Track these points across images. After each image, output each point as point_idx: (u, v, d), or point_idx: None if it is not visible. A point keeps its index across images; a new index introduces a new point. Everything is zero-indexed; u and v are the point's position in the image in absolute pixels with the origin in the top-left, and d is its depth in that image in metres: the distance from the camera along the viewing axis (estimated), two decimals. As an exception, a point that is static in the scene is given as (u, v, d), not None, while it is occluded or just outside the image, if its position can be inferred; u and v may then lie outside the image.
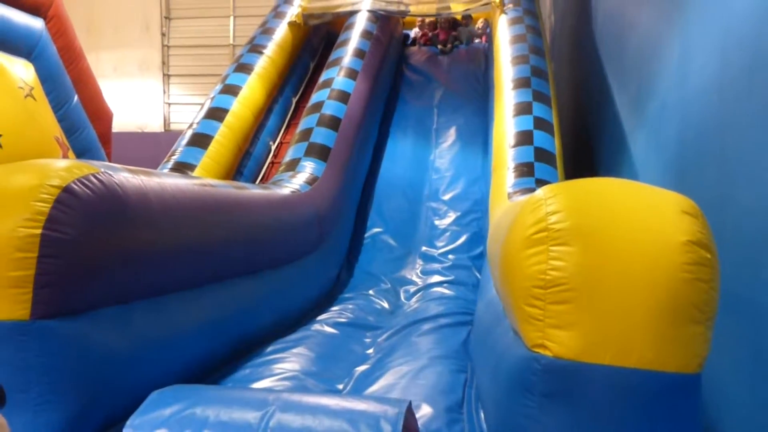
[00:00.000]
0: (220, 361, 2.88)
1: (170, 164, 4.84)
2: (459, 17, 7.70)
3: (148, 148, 10.08)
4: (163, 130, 13.05)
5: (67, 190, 2.06)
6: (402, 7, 6.93)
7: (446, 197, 5.29)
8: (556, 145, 4.50)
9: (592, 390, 1.49)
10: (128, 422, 1.86)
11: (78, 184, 2.11)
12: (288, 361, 2.96)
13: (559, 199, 1.65)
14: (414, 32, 8.12)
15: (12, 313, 1.90)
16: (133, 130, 12.55)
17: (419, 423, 2.32)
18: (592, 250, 1.52)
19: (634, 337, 1.47)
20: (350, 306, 4.19)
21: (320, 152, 4.92)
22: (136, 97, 13.07)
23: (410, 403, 1.96)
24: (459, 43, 7.80)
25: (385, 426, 1.75)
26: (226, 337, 2.98)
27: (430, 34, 7.93)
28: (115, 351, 2.20)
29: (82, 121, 5.46)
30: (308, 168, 4.79)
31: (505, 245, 1.90)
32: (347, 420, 1.80)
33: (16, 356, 1.90)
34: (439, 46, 7.75)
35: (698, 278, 1.47)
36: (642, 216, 1.56)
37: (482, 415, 2.43)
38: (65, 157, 5.23)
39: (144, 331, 2.38)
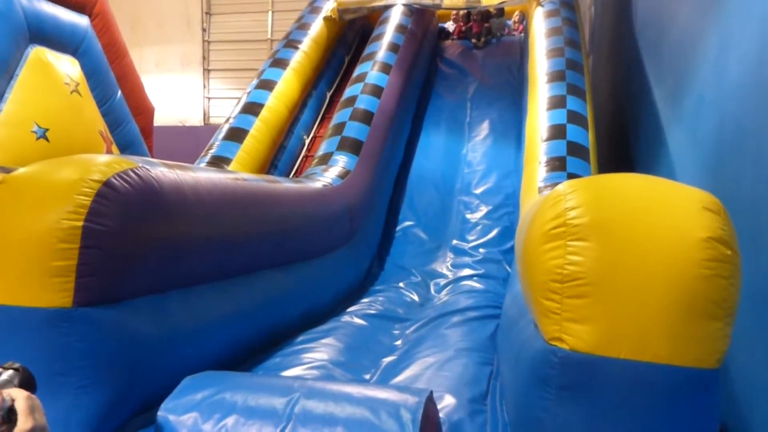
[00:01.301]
0: (251, 350, 2.97)
1: (207, 158, 4.97)
2: (492, 9, 7.60)
3: (189, 142, 10.35)
4: (202, 124, 13.33)
5: (107, 184, 2.16)
6: (436, 1, 6.92)
7: (478, 191, 5.29)
8: (590, 139, 4.45)
9: (608, 383, 1.51)
10: (162, 405, 1.96)
11: (117, 178, 2.21)
12: (317, 351, 3.03)
13: (578, 194, 1.66)
14: (448, 25, 8.06)
15: (55, 301, 2.01)
16: (174, 123, 12.86)
17: (442, 413, 2.36)
18: (610, 246, 1.53)
19: (650, 332, 1.48)
20: (380, 298, 4.25)
21: (352, 146, 4.97)
22: (178, 91, 13.38)
23: (431, 392, 2.00)
24: (491, 37, 7.73)
25: (404, 414, 1.80)
26: (257, 327, 3.07)
27: (464, 27, 7.86)
28: (151, 338, 2.31)
29: (125, 115, 5.65)
30: (340, 162, 4.85)
31: (526, 239, 1.92)
32: (368, 407, 1.85)
33: (59, 342, 2.01)
34: (473, 41, 7.70)
35: (717, 274, 1.47)
36: (661, 212, 1.56)
37: (505, 408, 2.46)
38: (109, 150, 5.42)
39: (178, 319, 2.48)
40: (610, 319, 1.50)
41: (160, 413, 1.94)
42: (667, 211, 1.55)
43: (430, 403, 1.93)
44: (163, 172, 2.51)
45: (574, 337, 1.54)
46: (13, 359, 2.05)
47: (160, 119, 8.88)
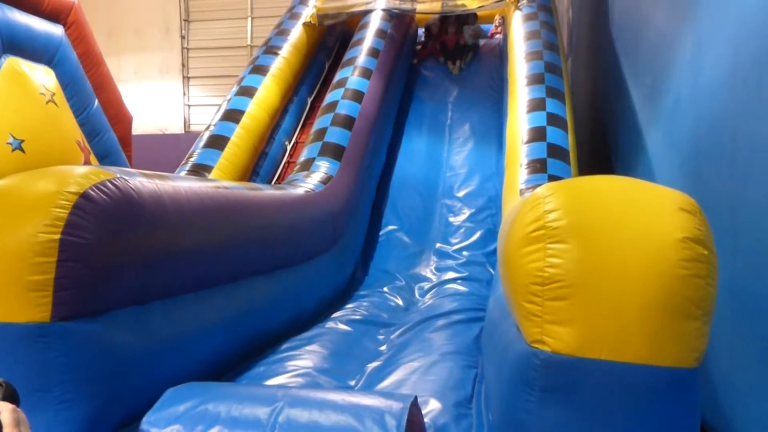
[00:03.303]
0: (236, 359, 2.95)
1: (188, 166, 4.94)
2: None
3: (169, 150, 10.25)
4: (183, 132, 13.23)
5: (84, 196, 2.13)
6: (414, 5, 6.95)
7: (460, 194, 5.32)
8: (569, 141, 4.49)
9: (589, 384, 1.52)
10: (144, 418, 1.94)
11: (95, 190, 2.18)
12: (302, 359, 3.02)
13: (556, 197, 1.68)
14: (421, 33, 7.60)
15: (33, 316, 1.98)
16: (154, 132, 12.75)
17: (427, 418, 2.36)
18: (589, 248, 1.55)
19: (630, 333, 1.49)
20: (365, 303, 4.25)
21: (334, 152, 4.97)
22: (157, 99, 13.28)
23: (416, 398, 2.00)
24: (467, 57, 7.01)
25: (389, 420, 1.80)
26: (241, 336, 3.06)
27: (429, 45, 7.27)
28: (133, 350, 2.28)
29: (103, 125, 5.59)
30: (322, 167, 4.84)
31: (506, 242, 1.93)
32: (353, 415, 1.85)
33: (38, 357, 1.98)
34: (448, 64, 6.99)
35: (694, 274, 1.49)
36: (639, 213, 1.58)
37: (490, 412, 2.47)
38: (87, 160, 5.36)
39: (161, 330, 2.46)
40: (590, 321, 1.51)
41: (142, 426, 1.91)
42: (645, 213, 1.57)
43: (414, 409, 1.93)
44: (141, 182, 2.49)
45: (555, 339, 1.55)
46: (-9, 375, 2.03)
47: (140, 128, 8.81)
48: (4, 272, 2.00)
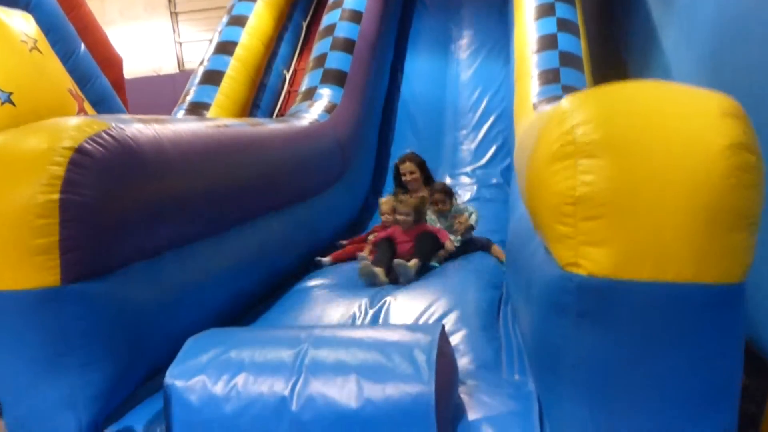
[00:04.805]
0: (253, 301, 2.90)
1: (185, 105, 4.78)
2: None
3: (165, 91, 9.97)
4: (178, 71, 12.87)
5: (80, 150, 2.01)
6: None
7: (469, 112, 5.12)
8: (582, 47, 4.25)
9: (629, 307, 1.43)
10: (168, 371, 1.90)
11: (90, 142, 2.06)
12: (320, 292, 2.98)
13: (585, 109, 1.53)
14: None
15: (42, 281, 1.90)
16: (148, 74, 12.41)
17: (454, 343, 2.32)
18: (624, 162, 1.41)
19: (672, 250, 1.38)
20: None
21: (336, 78, 4.77)
22: (147, 39, 12.85)
23: (443, 327, 1.94)
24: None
25: (419, 355, 1.75)
26: (258, 277, 3.00)
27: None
28: (149, 304, 2.22)
29: (93, 69, 5.37)
30: (325, 96, 4.67)
31: (531, 162, 1.81)
32: (380, 352, 1.79)
33: (53, 322, 1.91)
34: None
35: (742, 183, 1.36)
36: (679, 121, 1.43)
37: (519, 334, 2.43)
38: (81, 109, 5.18)
39: (175, 281, 2.40)
40: (628, 240, 1.40)
41: (167, 380, 1.87)
42: (685, 120, 1.42)
43: (442, 340, 1.88)
44: (139, 129, 2.36)
45: (590, 261, 1.44)
46: (7, 345, 1.99)
47: (132, 71, 8.54)
48: (6, 238, 1.91)
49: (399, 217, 3.42)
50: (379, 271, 3.09)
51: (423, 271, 3.21)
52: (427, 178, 4.11)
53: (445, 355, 1.85)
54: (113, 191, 2.10)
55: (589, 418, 1.53)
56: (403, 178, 4.04)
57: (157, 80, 12.16)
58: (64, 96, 5.02)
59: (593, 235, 1.44)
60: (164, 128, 2.54)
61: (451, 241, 3.50)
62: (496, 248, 3.60)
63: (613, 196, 1.42)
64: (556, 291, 1.58)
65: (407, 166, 4.04)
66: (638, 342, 1.46)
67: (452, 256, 3.48)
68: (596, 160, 1.44)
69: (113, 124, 2.22)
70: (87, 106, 5.33)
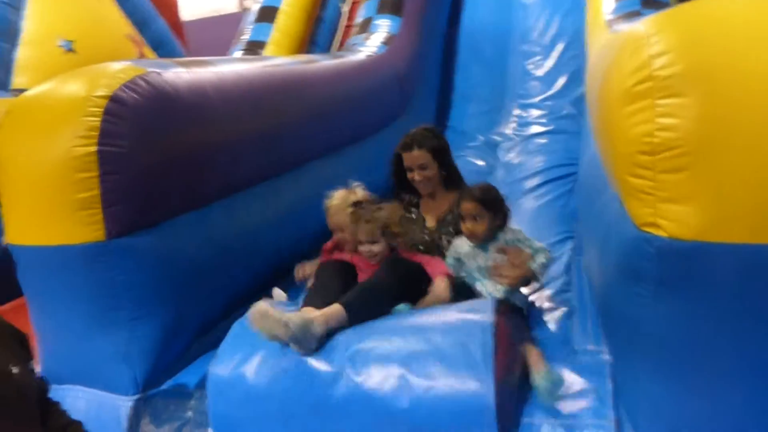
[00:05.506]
0: (307, 248, 2.80)
1: (241, 45, 4.64)
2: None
3: (227, 32, 9.80)
4: (239, 10, 12.66)
5: (114, 99, 1.93)
6: None
7: (537, 37, 4.69)
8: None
9: (718, 274, 1.20)
10: (211, 363, 1.83)
11: (125, 90, 1.98)
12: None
13: (666, 34, 1.25)
14: None
15: (88, 235, 1.87)
16: (208, 15, 12.25)
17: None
18: (713, 100, 1.15)
19: (775, 206, 1.14)
20: (443, 171, 3.97)
21: (393, 6, 4.48)
22: (205, -21, 12.63)
23: (497, 302, 1.76)
24: None
25: (472, 345, 1.58)
26: (309, 227, 2.90)
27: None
28: (198, 257, 2.17)
29: (150, 13, 5.32)
30: (382, 26, 4.40)
31: (600, 98, 1.56)
32: (429, 341, 1.64)
33: (101, 276, 1.90)
34: None
35: None
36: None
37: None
38: (141, 53, 5.17)
39: (223, 232, 2.33)
40: (718, 196, 1.16)
41: (210, 368, 1.81)
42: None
43: (497, 316, 1.69)
44: (177, 73, 2.25)
45: (672, 222, 1.22)
46: (60, 299, 2.00)
47: (192, 13, 8.42)
48: (49, 192, 1.88)
49: (362, 248, 2.10)
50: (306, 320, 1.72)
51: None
52: (451, 175, 2.50)
53: (500, 327, 1.67)
54: (152, 140, 2.02)
55: (671, 400, 1.34)
56: (410, 176, 2.44)
57: (217, 21, 11.98)
58: (123, 42, 5.01)
59: (676, 191, 1.21)
60: (205, 71, 2.43)
61: (447, 283, 2.02)
62: (536, 356, 1.79)
63: (700, 143, 1.17)
64: (633, 254, 1.36)
65: (416, 156, 2.39)
66: (730, 314, 1.24)
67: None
68: (679, 99, 1.19)
69: (149, 69, 2.12)
70: (147, 50, 5.31)
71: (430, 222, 2.39)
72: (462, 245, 2.16)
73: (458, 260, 2.15)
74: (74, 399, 1.94)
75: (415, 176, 2.40)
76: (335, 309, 1.77)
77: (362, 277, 2.07)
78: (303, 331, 1.67)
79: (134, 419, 1.90)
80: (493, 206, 2.09)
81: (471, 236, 2.10)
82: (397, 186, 2.57)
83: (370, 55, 4.04)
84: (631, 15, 3.07)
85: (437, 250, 2.26)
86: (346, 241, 2.25)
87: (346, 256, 2.19)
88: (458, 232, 2.19)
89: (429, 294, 1.97)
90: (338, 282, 1.99)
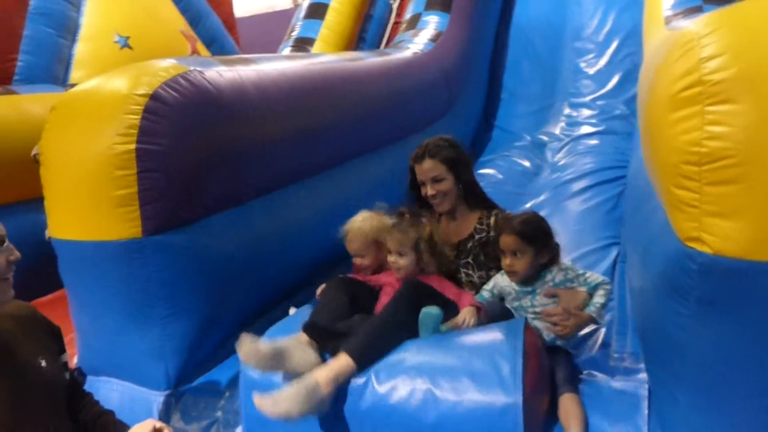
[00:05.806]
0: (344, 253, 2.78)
1: (290, 42, 4.67)
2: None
3: (280, 29, 9.91)
4: (293, 6, 12.77)
5: (154, 97, 1.95)
6: None
7: (592, 33, 4.53)
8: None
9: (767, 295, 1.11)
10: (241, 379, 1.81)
11: (165, 88, 1.99)
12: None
13: (720, 35, 1.16)
14: None
15: (124, 232, 1.90)
16: (262, 11, 12.41)
17: None
18: (769, 108, 1.06)
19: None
20: (489, 171, 3.89)
21: (442, 3, 4.41)
22: (259, -24, 12.78)
23: (525, 321, 1.69)
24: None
25: (501, 361, 1.52)
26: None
27: None
28: (234, 255, 2.18)
29: (204, 9, 5.41)
30: (431, 23, 4.34)
31: (648, 103, 1.47)
32: (459, 358, 1.59)
33: (136, 273, 1.92)
34: None
35: None
36: None
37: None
38: (194, 49, 5.27)
39: (261, 230, 2.33)
40: (770, 211, 1.08)
41: (242, 367, 1.80)
42: None
43: (527, 335, 1.62)
44: (219, 71, 2.26)
45: (718, 238, 1.13)
46: (97, 294, 2.04)
47: (246, 9, 8.53)
48: (89, 188, 1.92)
49: (389, 258, 1.95)
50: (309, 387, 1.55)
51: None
52: (470, 191, 2.18)
53: (530, 344, 1.60)
54: (191, 139, 2.03)
55: (710, 429, 1.24)
56: (423, 191, 2.17)
57: (272, 17, 12.12)
58: (177, 37, 5.12)
59: (723, 204, 1.12)
60: (248, 69, 2.43)
61: (473, 314, 1.79)
62: (574, 408, 1.61)
63: (752, 154, 1.08)
64: (674, 270, 1.27)
65: (427, 167, 2.14)
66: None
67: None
68: (731, 105, 1.10)
69: (191, 68, 2.14)
70: (200, 46, 5.41)
71: (447, 248, 2.07)
72: (503, 283, 1.91)
73: (500, 299, 1.92)
74: (109, 391, 1.99)
75: (428, 190, 2.11)
76: (342, 363, 1.61)
77: (384, 300, 1.91)
78: (310, 402, 1.51)
79: (165, 414, 1.92)
80: (537, 240, 1.81)
81: (510, 273, 1.86)
82: (417, 201, 2.23)
83: (417, 53, 3.99)
84: (692, 11, 2.91)
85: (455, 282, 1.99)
86: (365, 266, 2.11)
87: (372, 279, 2.03)
88: (481, 265, 1.99)
89: (452, 320, 1.76)
90: (344, 299, 1.85)
